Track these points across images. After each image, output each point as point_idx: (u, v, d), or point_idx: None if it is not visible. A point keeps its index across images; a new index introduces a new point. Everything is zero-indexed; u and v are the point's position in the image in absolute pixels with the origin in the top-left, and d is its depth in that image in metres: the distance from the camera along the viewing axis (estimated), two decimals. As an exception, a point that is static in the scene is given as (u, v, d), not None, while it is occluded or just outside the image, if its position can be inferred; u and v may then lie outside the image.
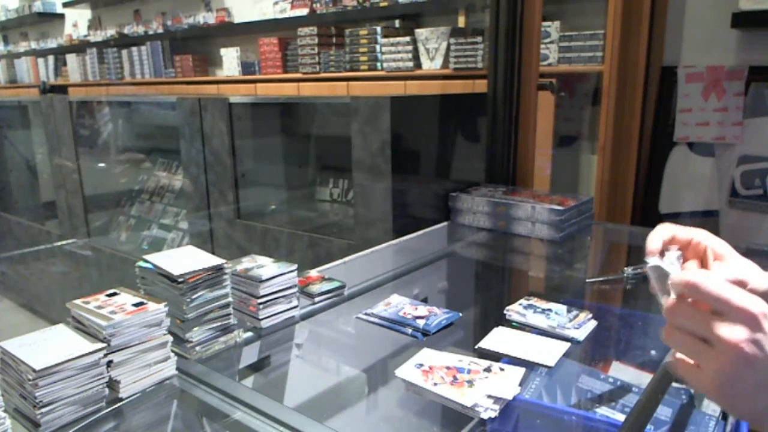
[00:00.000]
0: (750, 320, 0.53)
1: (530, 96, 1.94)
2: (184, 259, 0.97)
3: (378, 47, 3.35)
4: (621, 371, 0.96)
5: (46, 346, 0.79)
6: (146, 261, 0.98)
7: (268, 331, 1.06)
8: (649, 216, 2.28)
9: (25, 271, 4.00)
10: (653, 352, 1.04)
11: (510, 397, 0.82)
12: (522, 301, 1.17)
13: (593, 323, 1.08)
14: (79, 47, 5.89)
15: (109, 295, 0.90)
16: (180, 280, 0.92)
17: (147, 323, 0.85)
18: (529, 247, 1.67)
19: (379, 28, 3.34)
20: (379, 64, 3.37)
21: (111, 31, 5.48)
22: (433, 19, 3.35)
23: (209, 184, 2.53)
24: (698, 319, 0.56)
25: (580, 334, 1.03)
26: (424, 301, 1.25)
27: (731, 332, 0.53)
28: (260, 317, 1.04)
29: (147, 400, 0.85)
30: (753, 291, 0.58)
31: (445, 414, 0.87)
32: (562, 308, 1.13)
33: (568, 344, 1.00)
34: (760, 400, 0.54)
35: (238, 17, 4.34)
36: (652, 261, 0.66)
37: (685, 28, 2.18)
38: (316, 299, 1.19)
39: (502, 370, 0.90)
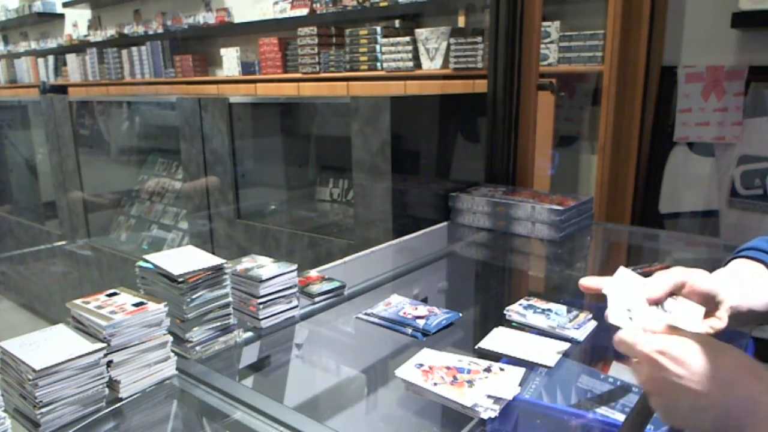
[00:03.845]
0: (649, 362, 0.63)
1: (530, 96, 1.94)
2: (184, 259, 0.97)
3: (378, 47, 3.35)
4: (621, 371, 0.96)
5: (46, 346, 0.79)
6: (146, 261, 0.98)
7: (268, 331, 1.06)
8: (649, 216, 2.28)
9: (25, 271, 4.00)
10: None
11: (510, 397, 0.82)
12: (522, 301, 1.17)
13: (593, 323, 1.08)
14: (79, 47, 5.89)
15: (109, 295, 0.90)
16: (180, 280, 0.91)
17: (147, 323, 0.85)
18: (529, 247, 1.67)
19: (379, 28, 3.33)
20: (379, 64, 3.37)
21: (111, 31, 5.48)
22: (433, 19, 3.35)
23: (209, 183, 2.53)
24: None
25: (580, 334, 1.03)
26: (424, 301, 1.25)
27: (638, 375, 0.66)
28: (260, 317, 1.04)
29: (147, 400, 0.85)
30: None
31: (445, 414, 0.87)
32: (562, 308, 1.13)
33: (568, 344, 1.00)
34: (699, 420, 0.61)
35: (238, 17, 4.34)
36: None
37: (685, 28, 2.18)
38: (316, 299, 1.19)
39: (502, 370, 0.89)
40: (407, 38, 3.23)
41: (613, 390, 0.88)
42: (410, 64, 3.24)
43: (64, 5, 6.04)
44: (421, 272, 1.49)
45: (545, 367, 0.94)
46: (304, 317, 1.14)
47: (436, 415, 0.92)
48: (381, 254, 1.56)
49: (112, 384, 0.82)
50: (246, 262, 1.10)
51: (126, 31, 5.28)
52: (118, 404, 0.83)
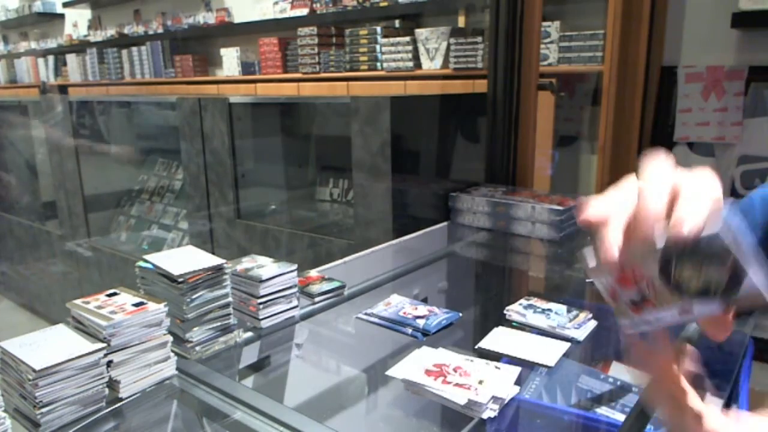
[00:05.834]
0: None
1: (530, 96, 1.94)
2: (184, 259, 0.97)
3: (378, 47, 3.35)
4: (621, 371, 0.96)
5: (46, 346, 0.79)
6: (146, 261, 0.98)
7: (268, 331, 1.06)
8: (649, 216, 2.28)
9: (25, 271, 4.00)
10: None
11: (507, 397, 0.82)
12: (522, 301, 1.17)
13: (593, 323, 1.08)
14: (79, 47, 5.89)
15: (109, 295, 0.90)
16: (180, 280, 0.91)
17: (147, 323, 0.85)
18: (529, 247, 1.67)
19: (379, 28, 3.33)
20: (379, 64, 3.37)
21: (111, 31, 5.48)
22: (433, 19, 3.35)
23: (209, 184, 2.53)
24: None
25: (580, 334, 1.03)
26: (424, 301, 1.25)
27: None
28: (260, 317, 1.04)
29: (147, 400, 0.85)
30: None
31: (444, 414, 0.87)
32: (562, 308, 1.13)
33: (568, 344, 1.00)
34: None
35: (238, 17, 4.34)
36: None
37: (685, 28, 2.18)
38: (316, 299, 1.19)
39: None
40: (407, 38, 3.23)
41: (613, 390, 0.88)
42: (410, 64, 3.24)
43: (64, 5, 6.03)
44: (421, 272, 1.49)
45: (545, 367, 0.94)
46: (304, 317, 1.14)
47: (435, 415, 0.92)
48: (381, 254, 1.56)
49: (112, 384, 0.82)
50: (246, 262, 1.10)
51: (126, 31, 5.28)
52: (118, 404, 0.83)
